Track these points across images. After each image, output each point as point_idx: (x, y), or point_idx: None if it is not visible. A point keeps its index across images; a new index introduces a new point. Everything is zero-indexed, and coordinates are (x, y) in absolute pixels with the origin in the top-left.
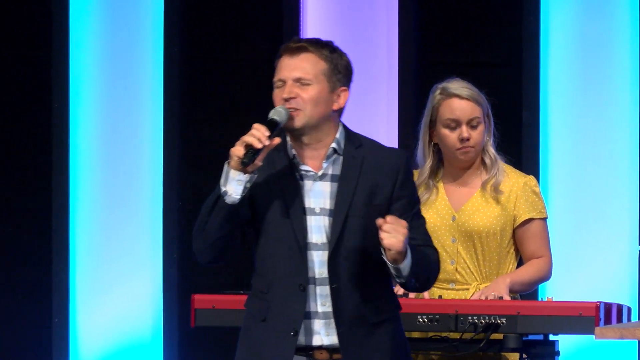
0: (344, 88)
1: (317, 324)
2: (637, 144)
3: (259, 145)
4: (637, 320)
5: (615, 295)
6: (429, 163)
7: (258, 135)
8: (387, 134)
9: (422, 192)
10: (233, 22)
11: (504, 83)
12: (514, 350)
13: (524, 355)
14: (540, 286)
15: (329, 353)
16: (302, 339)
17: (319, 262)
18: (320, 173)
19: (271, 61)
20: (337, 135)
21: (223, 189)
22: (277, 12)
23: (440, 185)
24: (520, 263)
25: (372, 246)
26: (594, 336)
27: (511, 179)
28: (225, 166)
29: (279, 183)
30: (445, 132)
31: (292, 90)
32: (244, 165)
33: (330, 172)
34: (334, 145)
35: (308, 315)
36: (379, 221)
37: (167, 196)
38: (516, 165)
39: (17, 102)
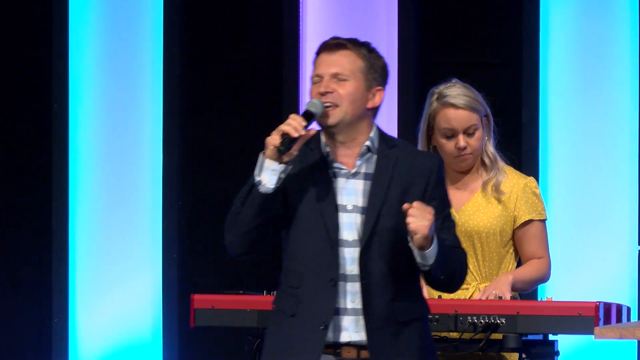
0: (379, 88)
1: (346, 321)
2: (637, 144)
3: (295, 134)
4: (637, 320)
5: (615, 295)
6: None
7: (294, 124)
8: None
9: None
10: (233, 22)
11: (504, 83)
12: (513, 350)
13: (524, 355)
14: (539, 286)
15: (357, 350)
16: (330, 335)
17: (349, 258)
18: (353, 171)
19: (271, 61)
20: (372, 134)
21: (257, 178)
22: (277, 12)
23: None
24: (519, 264)
25: (403, 245)
26: (593, 336)
27: (511, 179)
28: (260, 156)
29: (312, 180)
30: (442, 140)
31: (328, 85)
32: (280, 153)
33: (363, 170)
34: (367, 143)
35: (337, 312)
36: (405, 205)
37: (166, 196)
38: (516, 165)
39: (16, 102)
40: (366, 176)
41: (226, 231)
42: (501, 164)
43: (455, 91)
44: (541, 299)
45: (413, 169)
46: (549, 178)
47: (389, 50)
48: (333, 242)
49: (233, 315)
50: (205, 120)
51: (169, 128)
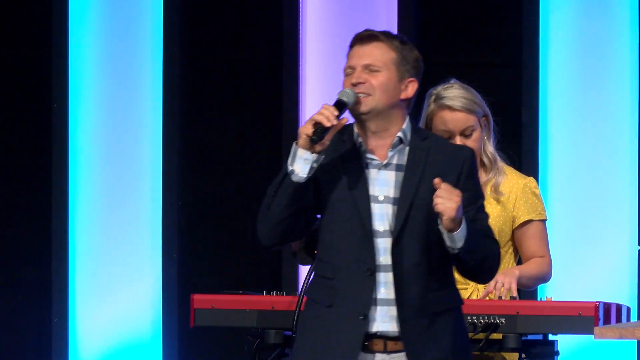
0: (412, 79)
1: (378, 311)
2: (636, 144)
3: (327, 124)
4: (637, 320)
5: (615, 295)
6: None
7: (327, 114)
8: None
9: None
10: (233, 22)
11: (504, 83)
12: (513, 350)
13: (523, 355)
14: (539, 286)
15: (384, 341)
16: None
17: (382, 249)
18: (385, 162)
19: (271, 61)
20: (404, 126)
21: (290, 167)
22: (277, 12)
23: None
24: (519, 264)
25: (436, 236)
26: (593, 336)
27: (511, 180)
28: (293, 146)
29: (345, 170)
30: None
31: (360, 76)
32: (313, 142)
33: (395, 161)
34: (399, 134)
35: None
36: (436, 180)
37: (166, 196)
38: (516, 165)
39: (16, 102)
40: (398, 167)
41: (258, 222)
42: (501, 164)
43: (452, 93)
44: (541, 298)
45: (445, 160)
46: (549, 178)
47: None
48: (367, 233)
49: (233, 315)
50: (205, 120)
51: (169, 128)
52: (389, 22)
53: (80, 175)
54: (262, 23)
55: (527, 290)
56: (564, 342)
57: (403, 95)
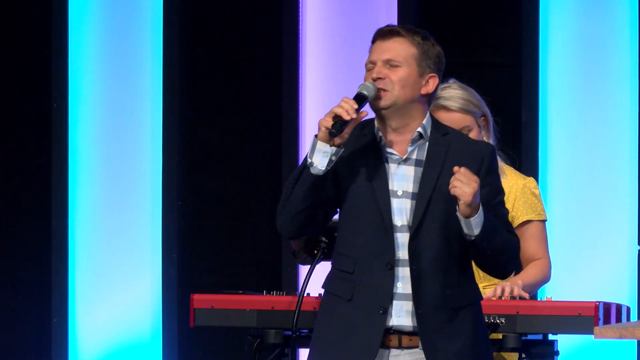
0: (433, 75)
1: (394, 305)
2: (636, 144)
3: (347, 117)
4: (637, 320)
5: (615, 295)
6: None
7: (346, 107)
8: None
9: None
10: (233, 22)
11: (504, 83)
12: (513, 350)
13: (523, 355)
14: None
15: (398, 336)
16: None
17: (400, 244)
18: (404, 157)
19: (271, 61)
20: (424, 121)
21: (309, 160)
22: (277, 12)
23: None
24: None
25: (455, 231)
26: (593, 336)
27: (510, 180)
28: (313, 138)
29: (365, 165)
30: None
31: (381, 71)
32: (332, 135)
33: (414, 156)
34: (419, 129)
35: None
36: (455, 167)
37: (166, 195)
38: (515, 164)
39: (16, 101)
40: (417, 162)
41: (278, 214)
42: (501, 164)
43: (449, 93)
44: (541, 298)
45: (465, 156)
46: (549, 178)
47: None
48: (387, 227)
49: (233, 315)
50: (205, 120)
51: (169, 128)
52: (389, 22)
53: (80, 175)
54: (262, 23)
55: None
56: (564, 342)
57: (423, 91)
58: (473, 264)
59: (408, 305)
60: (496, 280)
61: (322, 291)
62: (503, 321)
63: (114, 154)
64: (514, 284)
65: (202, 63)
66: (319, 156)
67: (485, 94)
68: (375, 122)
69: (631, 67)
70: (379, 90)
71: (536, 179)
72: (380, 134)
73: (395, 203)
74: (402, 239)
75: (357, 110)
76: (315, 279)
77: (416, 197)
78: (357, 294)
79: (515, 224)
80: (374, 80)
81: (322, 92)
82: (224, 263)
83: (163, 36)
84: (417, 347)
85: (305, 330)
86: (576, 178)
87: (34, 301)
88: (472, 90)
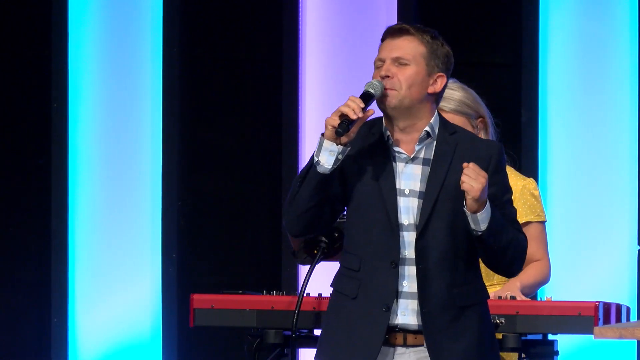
0: (441, 74)
1: (400, 304)
2: (636, 144)
3: (353, 117)
4: (636, 320)
5: (615, 295)
6: None
7: (353, 106)
8: None
9: None
10: (232, 22)
11: (503, 83)
12: (513, 350)
13: (523, 355)
14: None
15: (404, 335)
16: None
17: (407, 242)
18: (412, 155)
19: (270, 61)
20: (432, 120)
21: (316, 159)
22: (277, 12)
23: None
24: None
25: (462, 230)
26: (593, 336)
27: (510, 181)
28: (320, 137)
29: (372, 163)
30: None
31: (389, 69)
32: (339, 135)
33: (422, 155)
34: (427, 129)
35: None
36: (465, 164)
37: (166, 195)
38: (515, 164)
39: (16, 101)
40: (425, 161)
41: (284, 212)
42: None
43: (445, 93)
44: (540, 298)
45: (472, 155)
46: (549, 178)
47: None
48: (393, 226)
49: (232, 315)
50: (205, 120)
51: (169, 128)
52: (389, 22)
53: (79, 174)
54: (262, 23)
55: None
56: (564, 342)
57: (431, 90)
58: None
59: (414, 304)
60: (495, 281)
61: (321, 291)
62: (503, 321)
63: (113, 154)
64: (512, 288)
65: (202, 63)
66: (325, 155)
67: (485, 94)
68: (383, 121)
69: (631, 67)
70: (386, 89)
71: (536, 179)
72: (388, 132)
73: (402, 202)
74: (409, 237)
75: (364, 109)
76: (315, 279)
77: (423, 196)
78: (361, 292)
79: None
80: (382, 78)
81: (322, 92)
82: (224, 263)
83: (163, 36)
84: (422, 345)
85: (305, 330)
86: (576, 178)
87: (34, 301)
88: (470, 92)
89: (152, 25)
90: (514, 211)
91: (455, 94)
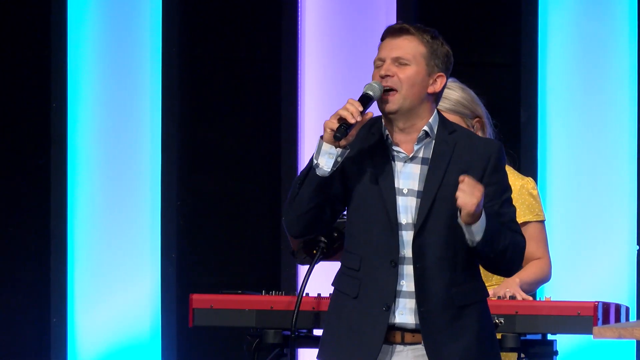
0: (441, 74)
1: (398, 303)
2: (635, 144)
3: (352, 121)
4: (636, 320)
5: (614, 294)
6: None
7: (352, 109)
8: None
9: None
10: (232, 22)
11: (503, 82)
12: (512, 350)
13: (522, 355)
14: None
15: (402, 333)
16: None
17: (405, 242)
18: (411, 155)
19: (270, 61)
20: (431, 120)
21: (315, 161)
22: (276, 12)
23: None
24: None
25: (461, 229)
26: (592, 336)
27: (509, 181)
28: (319, 139)
29: (372, 163)
30: None
31: (389, 69)
32: (337, 139)
33: (420, 154)
34: (425, 128)
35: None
36: (461, 177)
37: (165, 195)
38: (514, 164)
39: (15, 101)
40: (423, 161)
41: (284, 213)
42: None
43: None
44: (540, 298)
45: (471, 154)
46: (548, 177)
47: None
48: (392, 225)
49: (232, 315)
50: (204, 120)
51: (168, 127)
52: (388, 22)
53: (79, 174)
54: (261, 23)
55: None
56: (563, 342)
57: (431, 90)
58: None
59: (411, 303)
60: (494, 281)
61: (320, 291)
62: (502, 321)
63: (113, 154)
64: (512, 284)
65: (201, 63)
66: (324, 157)
67: (484, 94)
68: (383, 121)
69: (630, 66)
70: (385, 92)
71: (535, 178)
72: (387, 132)
73: (400, 201)
74: (408, 237)
75: (362, 112)
76: (314, 279)
77: (421, 195)
78: (362, 292)
79: None
80: (382, 77)
81: (322, 91)
82: (223, 263)
83: (162, 36)
84: (420, 343)
85: (304, 330)
86: (575, 178)
87: (33, 301)
88: (468, 92)
89: (151, 25)
90: (513, 210)
91: (452, 93)
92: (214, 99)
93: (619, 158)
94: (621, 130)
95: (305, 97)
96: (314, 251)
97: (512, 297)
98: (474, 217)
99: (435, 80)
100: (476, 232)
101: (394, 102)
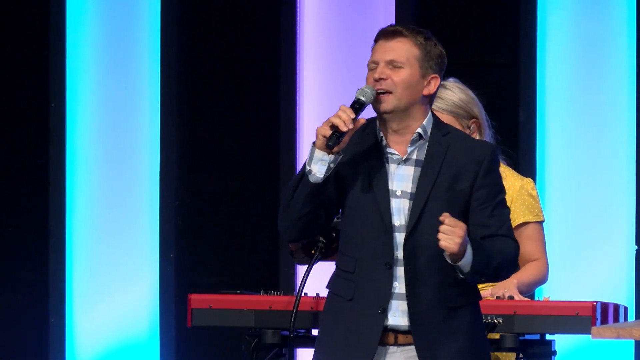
0: (435, 75)
1: (392, 305)
2: (634, 144)
3: (344, 129)
4: (634, 319)
5: (612, 294)
6: None
7: (344, 117)
8: None
9: None
10: (231, 22)
11: (501, 82)
12: (510, 350)
13: (521, 355)
14: None
15: (395, 334)
16: None
17: (398, 243)
18: (405, 157)
19: (268, 61)
20: (424, 122)
21: (308, 167)
22: (275, 12)
23: None
24: None
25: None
26: (590, 336)
27: (508, 181)
28: (311, 146)
29: (366, 165)
30: None
31: (383, 72)
32: (330, 148)
33: (414, 156)
34: (419, 130)
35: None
36: (441, 217)
37: (164, 195)
38: (513, 164)
39: (14, 101)
40: (417, 162)
41: (279, 217)
42: (501, 168)
43: (441, 92)
44: (538, 298)
45: (465, 156)
46: (546, 177)
47: None
48: (386, 227)
49: (230, 315)
50: (203, 120)
51: (167, 127)
52: (387, 22)
53: (77, 174)
54: (260, 23)
55: None
56: (562, 342)
57: (425, 92)
58: None
59: (403, 305)
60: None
61: (319, 291)
62: (500, 321)
63: (111, 154)
64: (509, 286)
65: (199, 63)
66: (317, 164)
67: (483, 94)
68: (377, 123)
69: (629, 66)
70: (379, 93)
71: (534, 178)
72: (382, 134)
73: (394, 203)
74: (400, 238)
75: (355, 119)
76: (312, 279)
77: (414, 197)
78: (357, 294)
79: (512, 226)
80: (377, 80)
81: (320, 92)
82: (222, 263)
83: (161, 36)
84: (412, 344)
85: (303, 330)
86: (574, 178)
87: (32, 301)
88: (467, 93)
89: (150, 25)
90: (507, 212)
91: (448, 93)
92: (213, 99)
93: (618, 158)
94: (620, 130)
95: (304, 97)
96: (313, 251)
97: (510, 298)
98: (458, 255)
99: (430, 81)
100: (464, 267)
101: (389, 102)
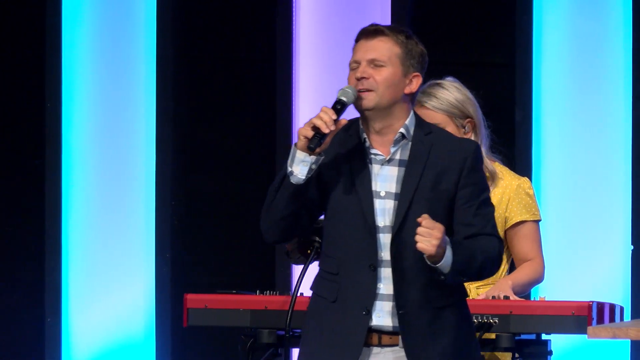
0: (416, 74)
1: (376, 306)
2: (630, 144)
3: (326, 130)
4: (630, 319)
5: (608, 294)
6: None
7: (325, 118)
8: None
9: None
10: (226, 21)
11: (498, 82)
12: (506, 349)
13: (517, 355)
14: None
15: (379, 335)
16: None
17: (383, 244)
18: (388, 157)
19: (264, 61)
20: (407, 121)
21: (289, 169)
22: (271, 12)
23: None
24: (512, 265)
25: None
26: (586, 336)
27: (505, 181)
28: (293, 147)
29: (349, 166)
30: None
31: (365, 71)
32: (311, 149)
33: (397, 156)
34: (402, 130)
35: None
36: (419, 219)
37: (159, 195)
38: (509, 164)
39: (9, 101)
40: (400, 162)
41: (261, 219)
42: (497, 167)
43: (432, 90)
44: (534, 298)
45: (448, 155)
46: (542, 177)
47: None
48: (370, 228)
49: (226, 314)
50: (199, 120)
51: (162, 127)
52: (383, 21)
53: (73, 174)
54: (256, 22)
55: None
56: (557, 342)
57: (407, 90)
58: None
59: (389, 306)
60: (490, 280)
61: None
62: (496, 321)
63: (107, 154)
64: (505, 286)
65: (195, 63)
66: (299, 166)
67: (479, 94)
68: (360, 123)
69: (625, 66)
70: (360, 91)
71: (530, 178)
72: (365, 134)
73: (378, 204)
74: (385, 239)
75: (336, 120)
76: (308, 278)
77: (399, 197)
78: (341, 295)
79: (509, 225)
80: (358, 79)
81: (316, 91)
82: (218, 263)
83: (157, 36)
84: (397, 345)
85: (299, 330)
86: (570, 177)
87: (28, 301)
88: (463, 92)
89: (145, 25)
90: (491, 210)
91: (444, 92)
92: (209, 99)
93: (614, 158)
94: (616, 130)
95: (300, 97)
96: (308, 251)
97: (506, 299)
98: (437, 257)
99: (411, 80)
100: (443, 268)
101: (371, 99)
